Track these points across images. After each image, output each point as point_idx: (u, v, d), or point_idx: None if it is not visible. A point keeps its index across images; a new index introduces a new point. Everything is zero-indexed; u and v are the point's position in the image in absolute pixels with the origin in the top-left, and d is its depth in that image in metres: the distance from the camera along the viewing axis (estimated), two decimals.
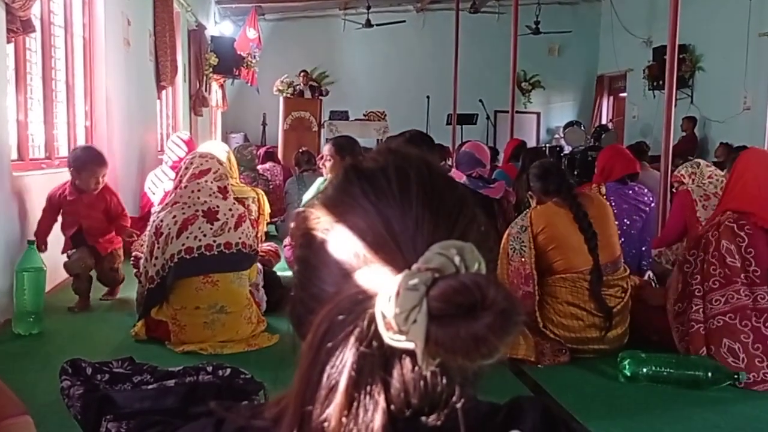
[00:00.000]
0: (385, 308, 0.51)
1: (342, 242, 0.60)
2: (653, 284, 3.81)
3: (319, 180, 4.24)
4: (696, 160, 4.19)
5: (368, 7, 11.63)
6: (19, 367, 2.97)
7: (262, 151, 7.92)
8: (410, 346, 0.51)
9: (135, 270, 3.78)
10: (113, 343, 3.27)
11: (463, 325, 0.50)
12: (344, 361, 0.53)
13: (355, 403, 0.53)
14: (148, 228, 3.42)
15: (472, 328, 0.50)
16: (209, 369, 1.91)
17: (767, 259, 2.94)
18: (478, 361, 0.51)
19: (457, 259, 0.53)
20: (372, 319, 0.53)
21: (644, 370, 2.87)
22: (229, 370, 1.93)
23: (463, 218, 0.61)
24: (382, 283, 0.54)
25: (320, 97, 10.76)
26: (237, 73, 10.76)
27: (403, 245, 0.57)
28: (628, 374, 2.89)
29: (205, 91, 10.09)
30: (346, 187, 0.63)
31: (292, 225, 0.70)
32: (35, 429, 1.14)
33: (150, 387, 1.80)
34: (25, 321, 3.41)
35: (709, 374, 2.81)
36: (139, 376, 1.86)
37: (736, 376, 2.85)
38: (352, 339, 0.54)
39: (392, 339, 0.52)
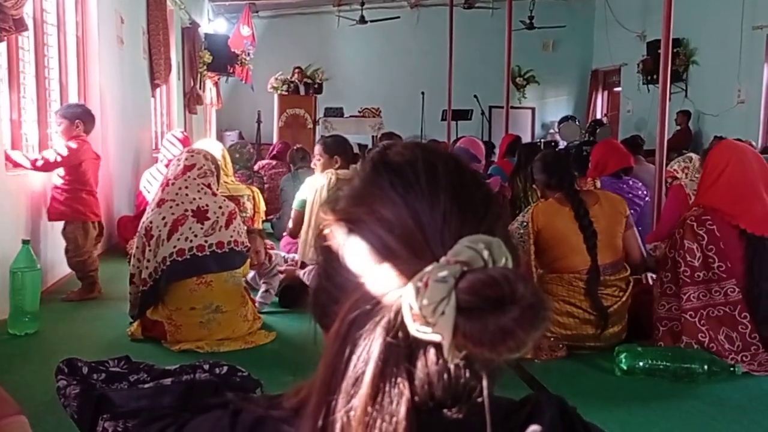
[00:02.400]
0: (413, 300, 0.51)
1: (370, 233, 0.60)
2: (649, 279, 3.82)
3: (310, 177, 4.22)
4: (688, 154, 4.20)
5: (362, 4, 11.61)
6: (14, 367, 2.96)
7: (278, 146, 7.90)
8: (437, 338, 0.52)
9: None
10: (109, 343, 3.27)
11: (491, 319, 0.51)
12: (371, 351, 0.54)
13: (381, 393, 0.53)
14: (139, 228, 3.39)
15: (500, 321, 0.50)
16: (206, 367, 1.92)
17: (737, 252, 2.98)
18: (504, 354, 0.52)
19: (485, 253, 0.53)
20: (399, 310, 0.53)
21: (641, 363, 2.88)
22: (225, 368, 1.93)
23: (490, 214, 0.62)
24: (410, 275, 0.54)
25: (314, 94, 10.74)
26: (231, 71, 10.74)
27: (431, 238, 0.58)
28: (625, 368, 2.89)
29: (200, 88, 10.06)
30: (375, 180, 0.63)
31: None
32: (30, 429, 1.13)
33: (147, 386, 1.80)
34: (21, 321, 3.39)
35: (706, 367, 2.82)
36: (135, 375, 1.86)
37: (732, 369, 2.86)
38: (380, 329, 0.54)
39: (419, 330, 0.52)
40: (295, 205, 4.14)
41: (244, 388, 1.87)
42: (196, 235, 3.24)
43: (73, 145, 3.96)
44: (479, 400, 0.56)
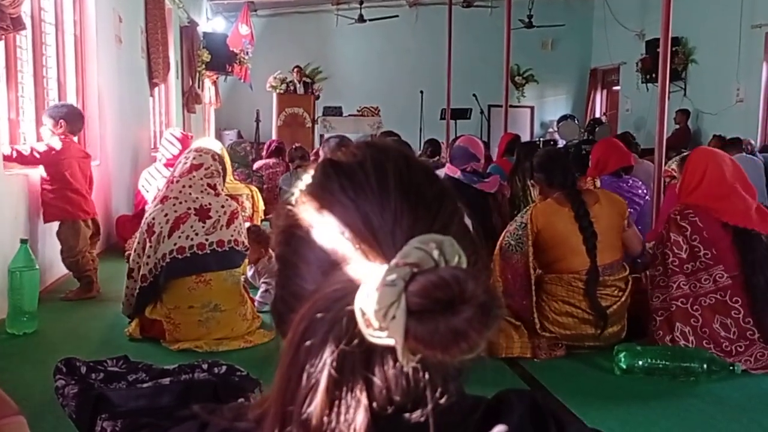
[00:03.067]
0: (365, 305, 0.51)
1: (321, 239, 0.59)
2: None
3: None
4: (685, 153, 4.20)
5: (361, 2, 11.61)
6: (13, 366, 2.95)
7: (273, 144, 7.86)
8: (390, 342, 0.51)
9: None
10: (108, 342, 3.26)
11: (441, 320, 0.50)
12: (324, 360, 0.52)
13: (337, 402, 0.52)
14: (141, 224, 3.39)
15: (450, 323, 0.49)
16: (204, 367, 1.91)
17: (723, 240, 3.07)
18: (458, 356, 0.50)
19: (435, 253, 0.52)
20: (352, 317, 0.52)
21: (640, 362, 2.88)
22: (224, 368, 1.92)
23: (443, 211, 0.60)
24: (361, 280, 0.53)
25: (313, 94, 10.73)
26: (230, 70, 10.72)
27: (382, 240, 0.57)
28: (624, 367, 2.89)
29: (198, 88, 10.05)
30: (324, 183, 0.62)
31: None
32: (29, 429, 1.13)
33: (145, 385, 1.80)
34: (19, 320, 3.39)
35: (705, 366, 2.82)
36: (134, 375, 1.86)
37: (731, 367, 2.86)
38: (332, 337, 0.53)
39: (372, 336, 0.51)
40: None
41: (242, 387, 1.86)
42: (197, 233, 3.24)
43: (55, 143, 3.94)
44: (441, 401, 0.55)
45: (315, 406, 0.52)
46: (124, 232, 5.35)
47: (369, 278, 0.52)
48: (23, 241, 3.46)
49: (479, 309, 0.50)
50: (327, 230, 0.59)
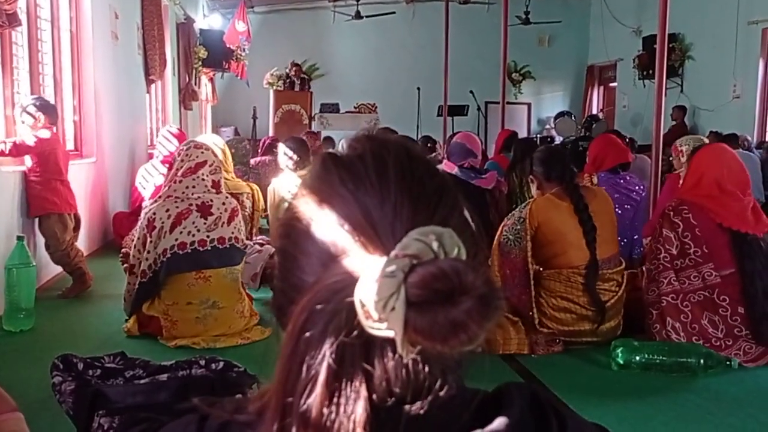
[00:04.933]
0: (364, 296, 0.51)
1: (321, 231, 0.59)
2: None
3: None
4: (699, 136, 4.23)
5: None
6: (10, 363, 2.95)
7: (267, 140, 7.80)
8: (390, 334, 0.51)
9: (124, 266, 3.76)
10: (105, 339, 3.26)
11: (441, 312, 0.49)
12: (323, 352, 0.53)
13: (337, 394, 0.52)
14: (140, 221, 3.38)
15: (450, 314, 0.49)
16: (202, 363, 1.91)
17: (717, 239, 3.07)
18: (457, 348, 0.50)
19: (435, 245, 0.52)
20: (351, 308, 0.52)
21: (637, 358, 2.88)
22: (222, 364, 1.92)
23: (443, 204, 0.61)
24: (360, 272, 0.53)
25: (310, 90, 10.71)
26: (226, 67, 10.69)
27: (382, 232, 0.57)
28: (621, 362, 2.90)
29: (195, 84, 10.03)
30: (324, 176, 0.62)
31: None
32: (26, 425, 1.13)
33: (142, 382, 1.79)
34: (16, 317, 3.38)
35: (701, 361, 2.82)
36: (131, 371, 1.85)
37: (728, 362, 2.87)
38: (331, 328, 0.53)
39: (372, 327, 0.51)
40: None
41: (240, 383, 1.86)
42: (198, 230, 3.24)
43: (43, 134, 3.92)
44: (441, 393, 0.55)
45: (315, 397, 0.53)
46: (120, 229, 5.34)
47: (368, 270, 0.52)
48: (19, 238, 3.45)
49: (479, 300, 0.50)
50: (327, 222, 0.59)
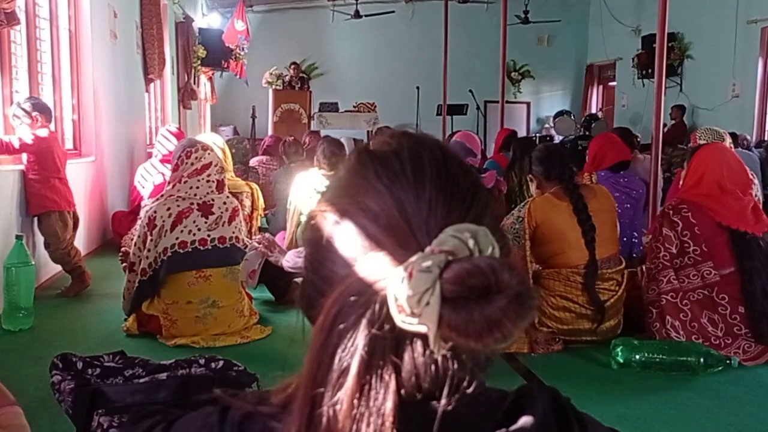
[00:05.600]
0: (398, 290, 0.51)
1: (355, 225, 0.59)
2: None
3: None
4: (722, 131, 4.24)
5: None
6: (9, 362, 2.94)
7: (267, 140, 7.78)
8: (422, 329, 0.51)
9: (123, 265, 3.75)
10: (104, 338, 3.25)
11: (476, 308, 0.50)
12: (356, 344, 0.53)
13: (367, 386, 0.53)
14: (140, 219, 3.37)
15: (485, 311, 0.50)
16: (201, 361, 1.90)
17: (717, 237, 3.08)
18: (491, 345, 0.51)
19: (471, 242, 0.52)
20: (384, 302, 0.52)
21: (637, 356, 2.88)
22: (221, 362, 1.92)
23: (476, 203, 0.61)
24: (394, 266, 0.53)
25: (309, 89, 10.71)
26: (226, 66, 10.69)
27: (416, 228, 0.57)
28: (621, 361, 2.90)
29: (194, 83, 10.02)
30: (360, 170, 0.63)
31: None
32: (25, 419, 1.13)
33: (142, 380, 1.79)
34: (15, 316, 3.38)
35: (702, 360, 2.82)
36: (130, 370, 1.85)
37: (728, 361, 2.87)
38: (364, 321, 0.53)
39: (404, 322, 0.51)
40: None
41: (239, 382, 1.86)
42: (199, 229, 3.23)
43: (41, 133, 3.91)
44: (468, 391, 0.55)
45: (345, 389, 0.53)
46: (120, 228, 5.33)
47: (403, 264, 0.52)
48: (18, 237, 3.45)
49: (515, 299, 0.50)
50: (361, 216, 0.59)
